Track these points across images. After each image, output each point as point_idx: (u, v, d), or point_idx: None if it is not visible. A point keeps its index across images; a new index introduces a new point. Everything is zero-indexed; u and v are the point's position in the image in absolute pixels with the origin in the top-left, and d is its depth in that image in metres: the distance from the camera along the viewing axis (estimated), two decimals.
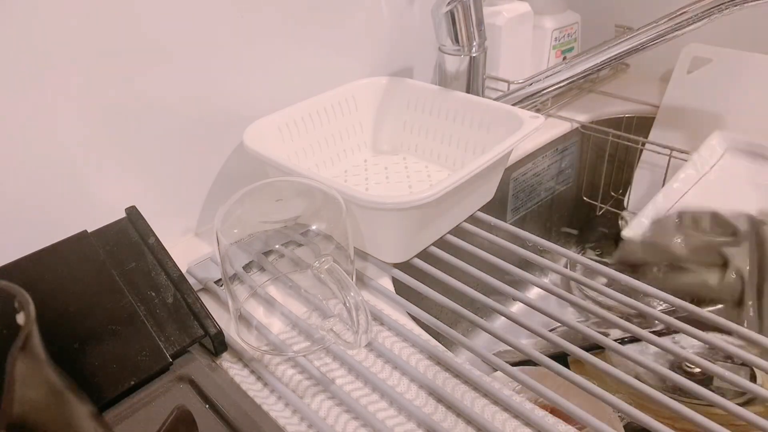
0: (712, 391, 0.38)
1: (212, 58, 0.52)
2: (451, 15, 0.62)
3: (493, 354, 0.42)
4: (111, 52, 0.45)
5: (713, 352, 0.50)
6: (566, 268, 0.49)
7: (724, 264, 0.51)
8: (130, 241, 0.44)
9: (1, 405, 0.20)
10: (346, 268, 0.42)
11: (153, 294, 0.42)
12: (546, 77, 0.69)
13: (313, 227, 0.48)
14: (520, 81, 0.72)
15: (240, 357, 0.43)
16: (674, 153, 0.66)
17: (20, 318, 0.23)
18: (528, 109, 0.56)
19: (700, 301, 0.50)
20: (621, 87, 0.85)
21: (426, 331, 0.44)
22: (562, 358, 0.62)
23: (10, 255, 0.40)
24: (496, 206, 0.73)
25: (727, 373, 0.39)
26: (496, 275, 0.48)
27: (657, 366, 0.40)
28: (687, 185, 0.61)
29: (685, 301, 0.44)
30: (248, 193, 0.44)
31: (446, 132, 0.62)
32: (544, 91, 0.70)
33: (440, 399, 0.39)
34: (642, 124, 0.78)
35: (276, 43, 0.56)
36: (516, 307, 0.78)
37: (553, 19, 0.80)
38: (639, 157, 0.76)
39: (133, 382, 0.37)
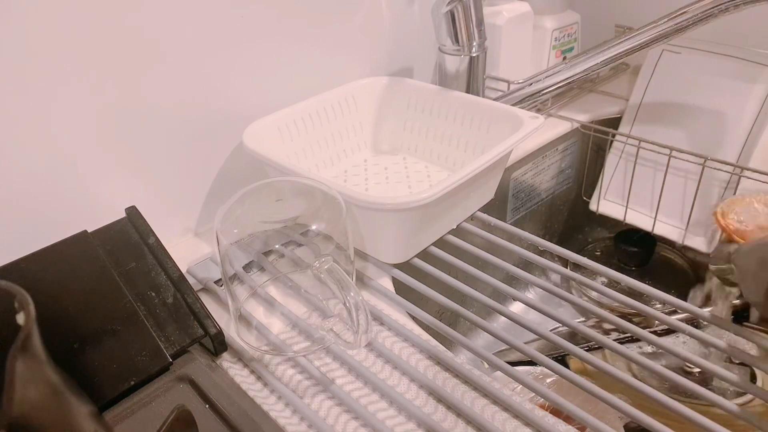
0: (713, 391, 0.38)
1: (212, 58, 0.52)
2: (451, 15, 0.62)
3: (493, 354, 0.42)
4: (111, 52, 0.45)
5: (712, 351, 0.50)
6: (566, 268, 0.49)
7: None
8: (130, 241, 0.44)
9: (1, 405, 0.20)
10: (346, 268, 0.42)
11: (153, 294, 0.42)
12: (546, 77, 0.69)
13: (313, 227, 0.48)
14: (520, 81, 0.72)
15: (240, 357, 0.43)
16: (674, 153, 0.66)
17: (20, 318, 0.23)
18: (528, 109, 0.56)
19: None
20: (621, 87, 0.85)
21: (426, 331, 0.44)
22: (562, 358, 0.62)
23: (10, 255, 0.40)
24: (496, 206, 0.73)
25: (727, 373, 0.39)
26: (496, 275, 0.48)
27: (657, 366, 0.40)
28: None
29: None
30: (248, 193, 0.44)
31: (446, 132, 0.62)
32: (544, 91, 0.70)
33: (440, 399, 0.39)
34: None
35: (276, 43, 0.56)
36: (516, 307, 0.78)
37: (553, 19, 0.80)
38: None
39: (133, 382, 0.37)
